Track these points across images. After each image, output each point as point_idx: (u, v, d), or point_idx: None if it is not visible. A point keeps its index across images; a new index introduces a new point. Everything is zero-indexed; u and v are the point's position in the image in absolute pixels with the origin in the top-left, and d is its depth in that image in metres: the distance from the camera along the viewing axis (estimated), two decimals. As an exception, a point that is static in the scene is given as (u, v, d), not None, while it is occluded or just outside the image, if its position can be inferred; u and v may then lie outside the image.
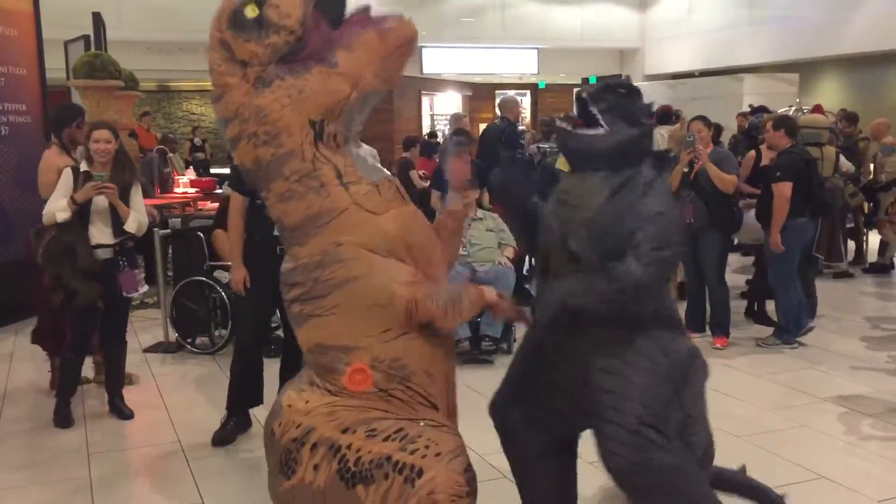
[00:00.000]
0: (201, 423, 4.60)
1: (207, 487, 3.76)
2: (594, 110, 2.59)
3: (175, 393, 5.15)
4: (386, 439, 2.28)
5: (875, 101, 13.49)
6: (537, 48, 16.61)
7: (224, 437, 4.30)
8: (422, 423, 2.35)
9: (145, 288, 4.71)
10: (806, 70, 14.58)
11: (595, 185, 2.58)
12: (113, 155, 4.38)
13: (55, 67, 8.50)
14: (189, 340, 6.05)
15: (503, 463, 3.04)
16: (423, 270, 2.41)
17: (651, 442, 2.51)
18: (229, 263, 5.86)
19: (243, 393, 4.39)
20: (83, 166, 4.41)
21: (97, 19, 8.78)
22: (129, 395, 5.04)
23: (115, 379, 4.75)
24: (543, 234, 2.71)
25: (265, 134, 2.33)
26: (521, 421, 2.84)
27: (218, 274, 5.98)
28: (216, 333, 6.02)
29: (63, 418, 4.53)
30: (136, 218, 4.47)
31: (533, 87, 20.28)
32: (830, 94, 15.12)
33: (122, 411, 4.67)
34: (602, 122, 2.59)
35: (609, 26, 17.38)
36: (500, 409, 2.90)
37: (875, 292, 7.79)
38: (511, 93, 16.98)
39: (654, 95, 13.75)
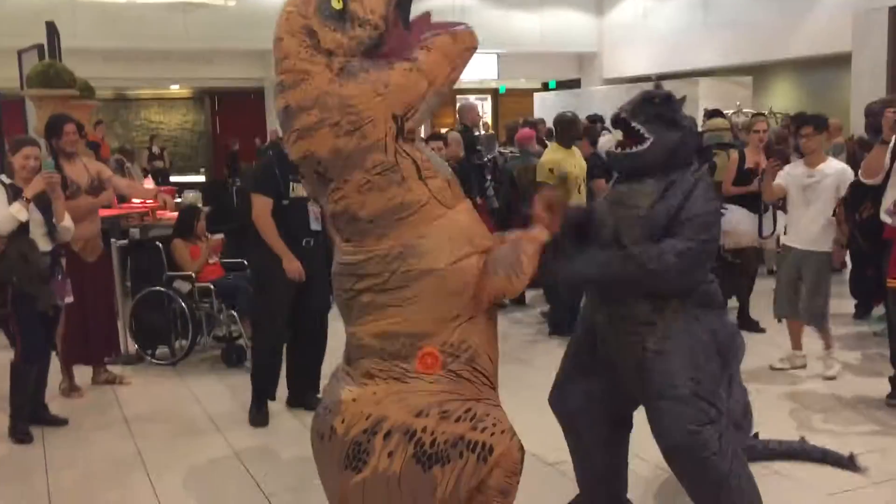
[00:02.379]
0: (162, 435, 4.57)
1: (168, 501, 3.74)
2: (636, 125, 2.80)
3: (135, 405, 5.11)
4: (458, 420, 2.37)
5: (827, 102, 13.78)
6: (497, 53, 16.73)
7: (262, 419, 4.66)
8: (482, 403, 2.46)
9: (71, 299, 4.70)
10: (759, 73, 14.86)
11: (647, 188, 2.82)
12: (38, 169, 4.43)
13: (8, 77, 8.38)
14: (149, 352, 6.00)
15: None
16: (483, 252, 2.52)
17: (704, 414, 2.72)
18: (189, 273, 5.92)
19: (270, 382, 4.72)
20: (5, 179, 4.41)
21: (51, 28, 8.66)
22: (88, 409, 5.00)
23: (42, 388, 4.73)
24: (598, 230, 2.92)
25: (350, 124, 2.33)
26: (580, 399, 3.05)
27: (178, 284, 5.94)
28: (177, 344, 5.98)
29: (20, 433, 4.48)
30: (70, 219, 4.57)
31: (494, 92, 20.40)
32: (783, 96, 15.44)
33: (51, 421, 4.68)
34: (646, 135, 2.80)
35: (567, 31, 17.55)
36: (559, 389, 3.12)
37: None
38: (471, 98, 17.05)
39: (612, 99, 13.94)
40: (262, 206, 4.52)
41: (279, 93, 2.47)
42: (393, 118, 2.36)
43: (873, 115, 6.13)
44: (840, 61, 12.70)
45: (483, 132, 8.28)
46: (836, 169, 5.20)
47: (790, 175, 5.25)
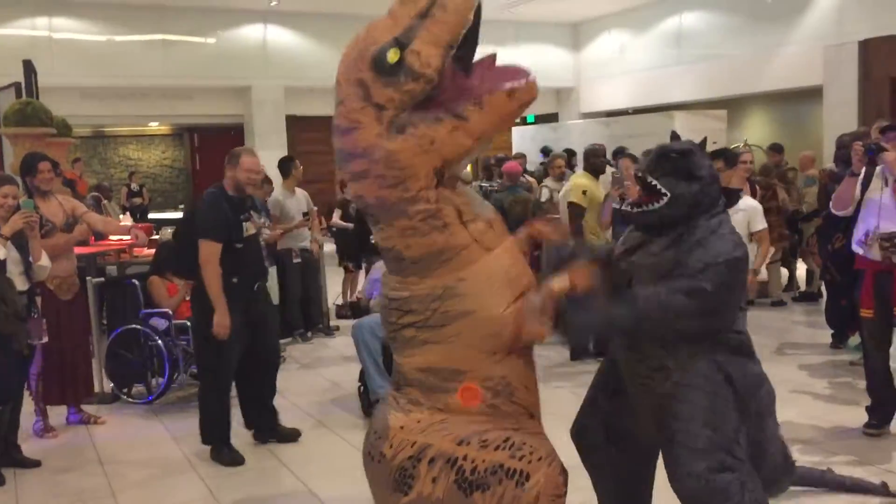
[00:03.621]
0: (138, 476, 4.51)
1: (143, 541, 3.69)
2: (652, 181, 2.77)
3: (111, 446, 5.03)
4: (497, 448, 2.50)
5: (800, 134, 14.02)
6: (475, 88, 16.88)
7: (236, 458, 4.61)
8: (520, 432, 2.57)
9: (46, 339, 4.65)
10: (734, 106, 15.08)
11: (662, 235, 2.81)
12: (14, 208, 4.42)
13: (-15, 116, 8.34)
14: (125, 391, 5.93)
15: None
16: (521, 292, 2.57)
17: (719, 462, 2.67)
18: (166, 310, 5.88)
19: (223, 428, 4.68)
20: None
21: (28, 66, 8.68)
22: (61, 450, 4.92)
23: (14, 429, 4.66)
24: (614, 273, 2.90)
25: (393, 178, 2.41)
26: (600, 434, 3.03)
27: (154, 321, 5.89)
28: (153, 382, 5.92)
29: (-8, 476, 4.40)
30: (47, 258, 4.56)
31: (472, 127, 20.57)
32: (757, 129, 15.67)
33: (22, 462, 4.62)
34: (664, 191, 2.76)
35: (545, 66, 17.74)
36: (580, 422, 3.08)
37: (805, 320, 8.03)
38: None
39: (589, 133, 14.09)
40: (210, 252, 4.44)
41: (334, 133, 2.55)
42: (435, 171, 2.44)
43: (844, 147, 6.24)
44: (812, 94, 12.93)
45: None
46: (747, 205, 5.33)
47: None
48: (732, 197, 2.98)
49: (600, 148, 7.15)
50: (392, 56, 2.33)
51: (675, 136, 3.11)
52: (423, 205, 2.45)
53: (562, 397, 3.92)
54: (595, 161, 6.98)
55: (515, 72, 2.43)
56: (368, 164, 2.43)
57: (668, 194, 2.75)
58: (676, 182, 2.76)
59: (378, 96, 2.38)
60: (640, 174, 2.83)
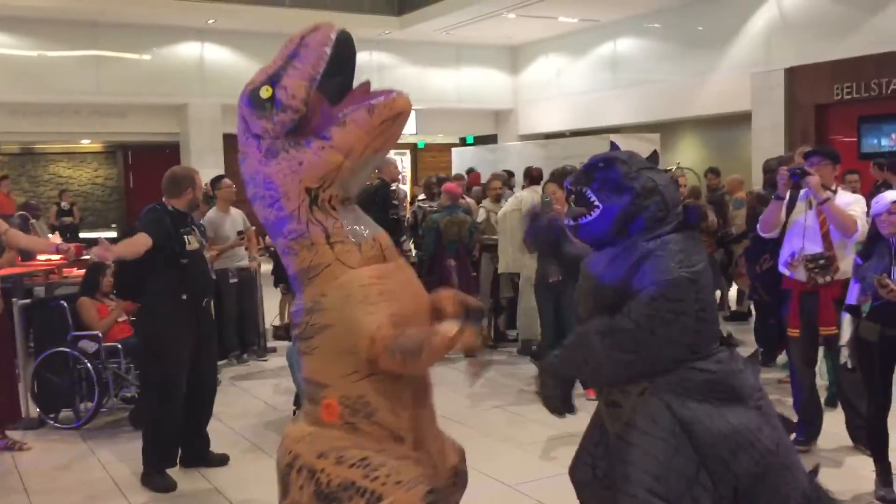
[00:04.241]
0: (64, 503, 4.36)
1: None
2: (586, 192, 2.69)
3: (37, 474, 4.86)
4: (351, 466, 2.57)
5: (730, 158, 14.41)
6: (415, 109, 16.94)
7: (169, 483, 4.53)
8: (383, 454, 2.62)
9: None
10: (667, 130, 15.44)
11: (602, 257, 2.70)
12: None
13: None
14: (52, 416, 5.74)
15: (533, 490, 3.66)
16: (397, 317, 2.60)
17: None
18: (95, 332, 5.73)
19: (173, 448, 4.63)
20: None
21: (-47, 81, 8.40)
22: (-16, 478, 4.74)
23: None
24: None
25: (270, 198, 2.68)
26: (587, 472, 2.94)
27: (83, 344, 5.73)
28: (81, 407, 5.74)
29: None
30: None
31: (413, 147, 20.62)
32: (690, 152, 16.08)
33: None
34: (596, 203, 2.68)
35: (484, 88, 17.94)
36: (574, 459, 3.02)
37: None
38: (390, 153, 17.22)
39: (527, 154, 14.26)
40: (141, 239, 4.43)
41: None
42: (306, 191, 2.64)
43: (770, 171, 6.45)
44: (741, 119, 13.33)
45: (397, 187, 8.33)
46: None
47: None
48: (692, 214, 2.73)
49: (570, 169, 7.12)
50: (264, 92, 2.63)
51: (613, 146, 2.96)
52: (294, 224, 2.67)
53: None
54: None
55: (380, 93, 2.65)
56: (255, 187, 2.72)
57: (601, 206, 2.65)
58: (608, 194, 2.65)
59: (255, 128, 2.69)
60: (570, 188, 2.76)
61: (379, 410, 2.63)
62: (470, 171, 12.48)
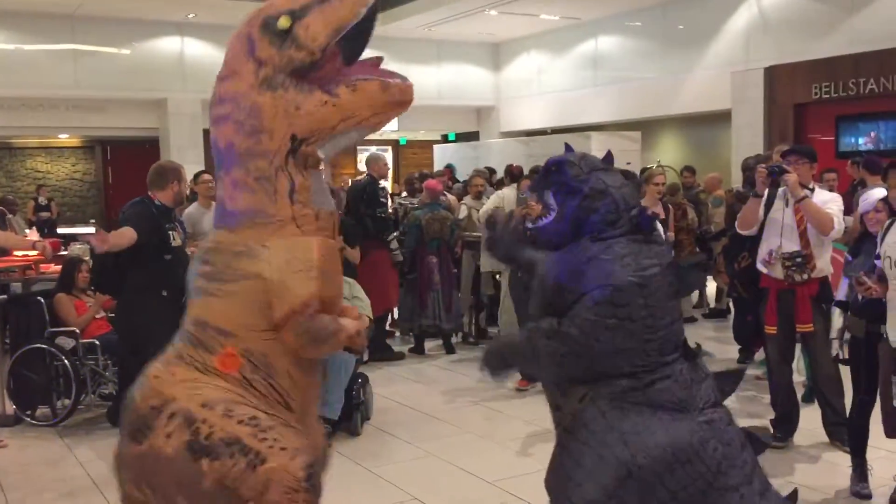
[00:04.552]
0: (41, 501, 4.33)
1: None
2: (546, 196, 2.65)
3: (13, 472, 4.81)
4: (240, 422, 2.46)
5: (710, 156, 14.50)
6: (396, 106, 16.92)
7: None
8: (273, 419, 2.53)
9: None
10: (647, 128, 15.51)
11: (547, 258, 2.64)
12: None
13: None
14: (28, 413, 5.69)
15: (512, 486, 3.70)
16: (323, 299, 2.56)
17: None
18: (72, 328, 5.68)
19: None
20: None
21: (-72, 74, 8.29)
22: (-41, 476, 4.69)
23: None
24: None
25: (250, 127, 2.51)
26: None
27: (61, 340, 5.68)
28: (59, 404, 5.69)
29: None
30: None
31: (394, 144, 20.58)
32: (670, 150, 16.16)
33: None
34: (553, 206, 2.62)
35: (465, 85, 17.94)
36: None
37: (714, 336, 8.29)
38: (373, 149, 17.18)
39: (508, 151, 14.28)
40: (127, 232, 4.43)
41: (215, 82, 2.65)
42: (291, 138, 2.52)
43: (749, 169, 6.49)
44: (721, 118, 13.41)
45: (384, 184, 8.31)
46: None
47: None
48: (645, 220, 2.62)
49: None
50: (283, 22, 2.48)
51: (567, 148, 2.87)
52: (264, 164, 2.52)
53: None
54: None
55: (395, 74, 2.58)
56: (232, 108, 2.53)
57: (555, 209, 2.60)
58: (563, 197, 2.59)
59: (261, 51, 2.52)
60: (531, 192, 2.79)
61: (279, 374, 2.56)
62: (448, 167, 12.48)
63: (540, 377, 2.64)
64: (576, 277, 2.47)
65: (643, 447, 2.38)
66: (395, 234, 7.65)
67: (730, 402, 5.91)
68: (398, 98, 2.55)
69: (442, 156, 17.17)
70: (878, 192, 4.17)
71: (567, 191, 2.59)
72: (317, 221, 2.59)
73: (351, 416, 5.31)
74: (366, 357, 6.32)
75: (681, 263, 2.63)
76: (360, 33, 2.51)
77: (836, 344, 4.25)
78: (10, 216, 10.05)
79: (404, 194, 9.84)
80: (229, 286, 2.52)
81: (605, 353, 2.42)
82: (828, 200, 4.74)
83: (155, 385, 2.58)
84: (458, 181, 11.92)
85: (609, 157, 2.76)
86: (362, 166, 13.89)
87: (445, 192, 8.69)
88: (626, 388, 2.44)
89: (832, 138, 11.60)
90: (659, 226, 5.21)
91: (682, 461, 2.38)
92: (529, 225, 2.75)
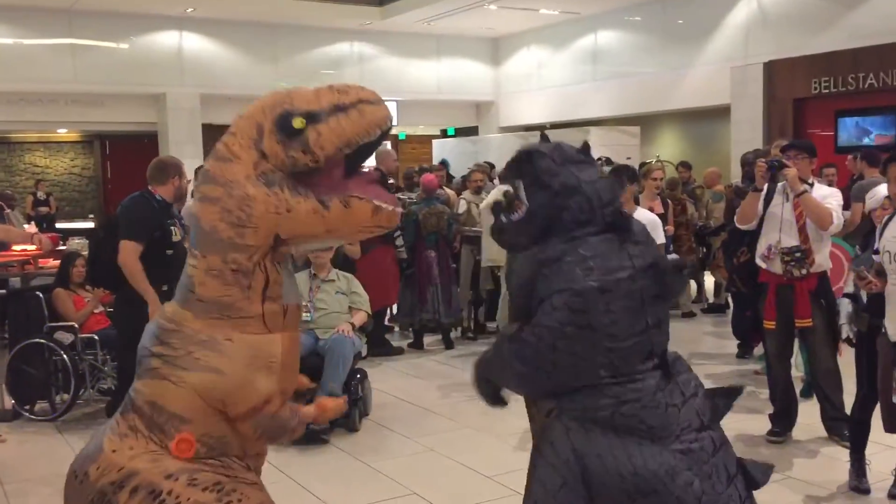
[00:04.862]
0: (40, 496, 4.33)
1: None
2: (518, 188, 2.44)
3: (12, 467, 4.82)
4: (205, 490, 2.46)
5: (709, 151, 14.50)
6: (396, 100, 16.90)
7: None
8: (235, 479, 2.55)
9: None
10: (647, 123, 15.50)
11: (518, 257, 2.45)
12: None
13: None
14: (27, 408, 5.69)
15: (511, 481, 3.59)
16: (282, 393, 2.57)
17: None
18: (71, 323, 5.67)
19: None
20: None
21: (-74, 68, 8.27)
22: (-42, 470, 4.69)
23: None
24: None
25: (237, 219, 2.45)
26: None
27: (59, 335, 5.68)
28: (58, 399, 5.69)
29: None
30: None
31: (394, 138, 20.57)
32: (670, 145, 16.15)
33: None
34: (524, 199, 2.41)
35: (465, 80, 17.91)
36: None
37: (713, 331, 8.30)
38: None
39: (508, 146, 14.25)
40: (131, 251, 4.44)
41: (211, 155, 2.58)
42: (275, 237, 2.47)
43: (748, 164, 6.49)
44: (720, 113, 13.40)
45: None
46: (647, 218, 5.34)
47: None
48: (620, 222, 2.39)
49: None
50: (297, 123, 2.43)
51: (543, 137, 2.68)
52: (242, 258, 2.47)
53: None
54: (619, 175, 6.78)
55: (389, 197, 2.54)
56: (223, 193, 2.47)
57: (526, 204, 2.39)
58: (534, 191, 2.38)
59: (267, 145, 2.45)
60: (501, 182, 2.52)
61: (234, 447, 2.59)
62: (442, 162, 12.40)
63: (507, 387, 2.44)
64: (540, 280, 2.28)
65: (604, 473, 2.21)
66: (398, 233, 7.63)
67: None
68: (384, 224, 2.53)
69: (441, 151, 17.16)
70: (885, 189, 4.16)
71: (537, 185, 2.38)
72: (283, 319, 2.56)
73: (349, 411, 5.30)
74: (364, 352, 6.33)
75: (661, 265, 2.37)
76: (367, 147, 2.50)
77: (845, 329, 4.19)
78: (8, 211, 10.03)
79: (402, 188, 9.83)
80: (188, 376, 2.48)
81: (565, 363, 2.24)
82: (827, 195, 4.74)
83: (113, 459, 2.53)
84: (452, 177, 11.91)
85: (586, 147, 2.57)
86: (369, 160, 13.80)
87: (443, 187, 8.69)
88: (590, 407, 2.25)
89: (831, 133, 11.59)
90: (644, 223, 5.20)
91: (645, 492, 2.20)
92: (502, 218, 2.55)
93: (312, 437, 4.97)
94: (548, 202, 2.33)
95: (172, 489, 2.44)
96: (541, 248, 2.31)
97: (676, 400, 2.29)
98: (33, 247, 7.76)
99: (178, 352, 2.49)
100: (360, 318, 5.57)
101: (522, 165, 2.42)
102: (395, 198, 2.56)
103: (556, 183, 2.34)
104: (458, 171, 13.42)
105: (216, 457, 2.55)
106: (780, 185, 4.73)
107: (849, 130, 11.47)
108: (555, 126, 16.53)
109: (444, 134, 20.10)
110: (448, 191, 9.17)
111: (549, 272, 2.25)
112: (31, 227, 10.06)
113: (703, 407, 2.35)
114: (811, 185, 4.74)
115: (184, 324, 2.52)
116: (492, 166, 10.36)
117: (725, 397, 2.47)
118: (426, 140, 19.48)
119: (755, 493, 2.55)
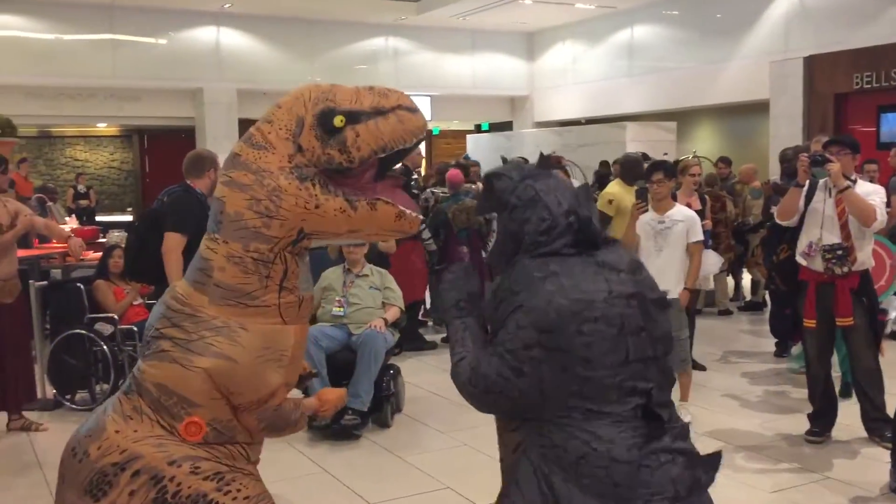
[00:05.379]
0: (80, 483, 4.40)
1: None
2: (492, 219, 2.35)
3: (54, 455, 4.89)
4: (206, 478, 2.49)
5: (747, 147, 14.32)
6: (430, 96, 16.94)
7: None
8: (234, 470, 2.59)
9: None
10: (683, 118, 15.36)
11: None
12: None
13: (-76, 113, 8.11)
14: (68, 397, 5.79)
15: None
16: (287, 385, 2.63)
17: None
18: (111, 315, 5.76)
19: None
20: None
21: (-29, 64, 8.44)
22: (1, 456, 4.79)
23: None
24: None
25: (266, 209, 2.46)
26: None
27: (100, 326, 5.77)
28: (98, 389, 5.79)
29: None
30: None
31: (427, 134, 20.62)
32: (706, 141, 15.97)
33: None
34: (494, 228, 2.33)
35: (499, 75, 17.88)
36: None
37: (750, 329, 8.20)
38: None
39: (542, 141, 14.20)
40: (174, 243, 4.48)
41: (243, 139, 2.58)
42: (298, 231, 2.49)
43: (787, 160, 6.39)
44: (759, 108, 13.22)
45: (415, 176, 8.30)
46: (685, 215, 5.23)
47: (641, 222, 5.22)
48: (585, 225, 2.19)
49: (637, 156, 7.04)
50: (337, 121, 2.43)
51: (503, 161, 2.61)
52: (264, 247, 2.48)
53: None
54: (632, 170, 6.71)
55: (412, 204, 2.57)
56: (254, 182, 2.47)
57: (497, 233, 2.29)
58: (500, 214, 2.29)
59: (304, 139, 2.46)
60: (480, 216, 2.47)
61: (241, 432, 2.61)
62: (466, 158, 12.28)
63: (484, 410, 2.20)
64: (506, 297, 2.13)
65: None
66: (423, 226, 7.64)
67: (767, 396, 5.83)
68: (405, 229, 2.57)
69: (475, 146, 17.14)
70: None
71: (499, 206, 2.27)
72: (299, 310, 2.58)
73: (381, 406, 5.31)
74: (397, 349, 6.34)
75: (645, 296, 2.13)
76: (400, 153, 2.52)
77: (890, 325, 4.09)
78: (50, 204, 10.22)
79: (433, 182, 9.81)
80: (201, 361, 2.47)
81: (531, 389, 2.05)
82: (870, 192, 4.64)
83: (116, 440, 2.52)
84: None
85: (544, 160, 2.43)
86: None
87: (475, 181, 8.67)
88: (559, 445, 2.05)
89: (873, 129, 11.38)
90: (682, 219, 5.11)
91: None
92: (484, 255, 2.49)
93: (344, 432, 5.00)
94: (509, 218, 2.24)
95: (175, 476, 2.46)
96: (510, 268, 2.19)
97: (651, 461, 2.03)
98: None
99: (192, 336, 2.49)
100: (393, 313, 5.56)
101: (485, 193, 2.35)
102: (416, 205, 2.59)
103: (513, 198, 2.24)
104: (492, 166, 13.34)
105: (223, 443, 2.57)
106: (822, 181, 4.64)
107: (892, 126, 11.26)
108: (590, 121, 16.44)
109: (479, 129, 20.09)
110: (479, 185, 9.14)
111: (520, 289, 2.10)
112: (71, 220, 10.25)
113: (682, 476, 2.04)
114: (854, 181, 4.65)
115: (199, 307, 2.51)
116: (526, 161, 10.30)
117: (709, 469, 2.12)
118: (460, 135, 19.48)
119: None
